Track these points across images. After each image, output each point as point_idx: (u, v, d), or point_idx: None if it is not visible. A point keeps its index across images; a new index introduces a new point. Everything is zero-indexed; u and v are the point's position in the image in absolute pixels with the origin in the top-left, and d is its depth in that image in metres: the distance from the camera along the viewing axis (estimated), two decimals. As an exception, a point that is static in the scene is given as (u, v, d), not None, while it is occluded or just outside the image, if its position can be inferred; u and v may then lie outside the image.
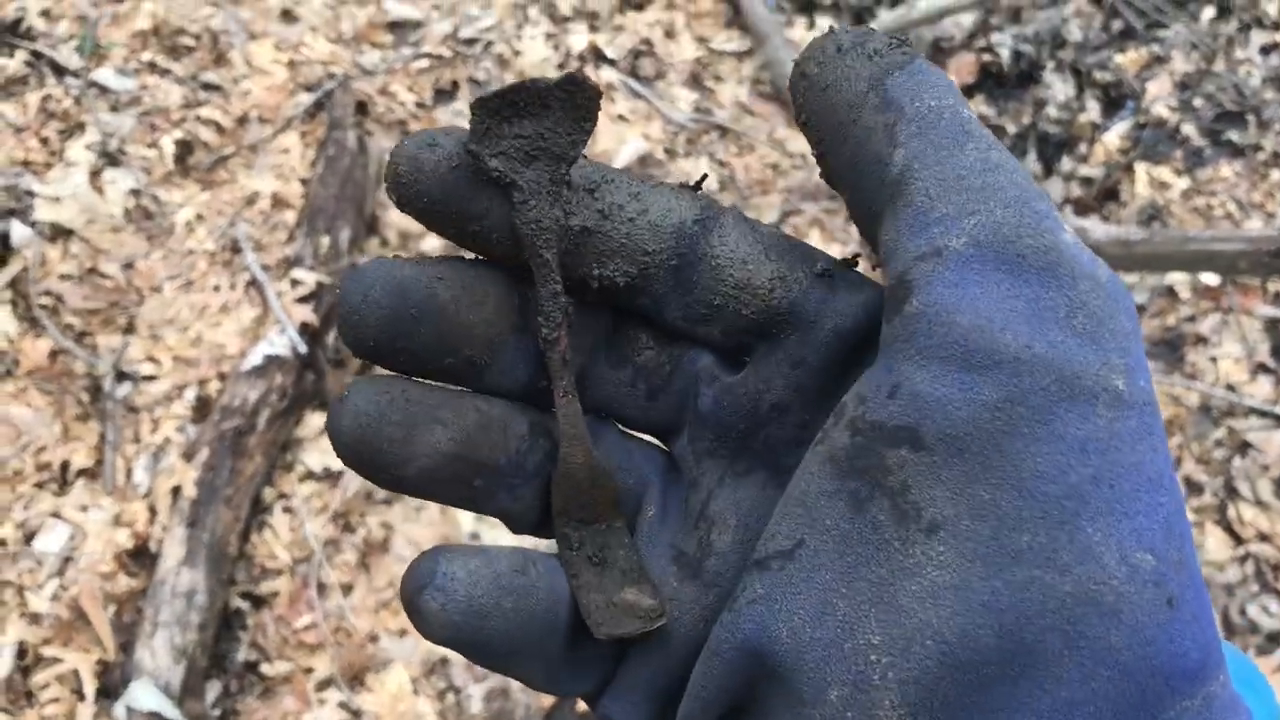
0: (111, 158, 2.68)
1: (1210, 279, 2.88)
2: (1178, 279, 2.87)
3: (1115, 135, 3.20)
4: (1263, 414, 2.64)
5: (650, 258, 0.35)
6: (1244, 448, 2.57)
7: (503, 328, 0.36)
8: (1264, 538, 2.39)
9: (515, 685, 2.05)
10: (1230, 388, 2.70)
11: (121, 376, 2.36)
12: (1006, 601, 0.27)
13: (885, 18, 3.13)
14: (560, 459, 0.37)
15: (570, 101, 0.35)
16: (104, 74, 2.83)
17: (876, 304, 0.34)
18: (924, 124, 0.30)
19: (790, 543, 0.31)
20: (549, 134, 0.35)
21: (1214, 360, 2.75)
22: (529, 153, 0.34)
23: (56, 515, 2.15)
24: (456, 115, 2.98)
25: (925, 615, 0.28)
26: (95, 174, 2.64)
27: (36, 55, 2.81)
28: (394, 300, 0.34)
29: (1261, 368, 2.75)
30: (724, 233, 0.35)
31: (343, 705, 2.02)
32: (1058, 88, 3.28)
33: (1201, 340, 2.80)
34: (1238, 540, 2.38)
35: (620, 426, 0.39)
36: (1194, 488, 2.47)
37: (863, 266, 0.47)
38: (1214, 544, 2.36)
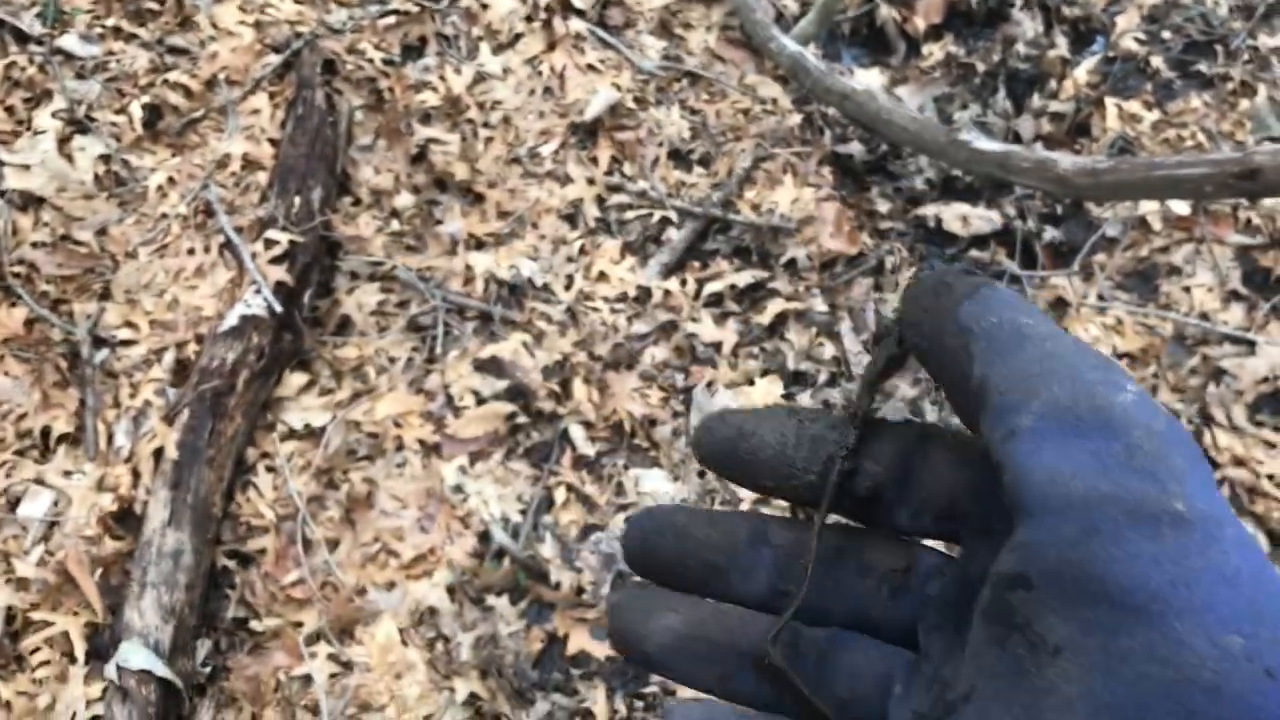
0: (80, 124, 2.67)
1: (1182, 208, 2.89)
2: (1150, 209, 2.89)
3: (1084, 71, 3.20)
4: (1236, 340, 2.67)
5: (884, 476, 0.43)
6: (1218, 375, 2.59)
7: (739, 537, 0.45)
8: (1239, 462, 2.42)
9: (505, 632, 2.08)
10: (1204, 316, 2.72)
11: (99, 342, 2.37)
12: (1125, 697, 0.32)
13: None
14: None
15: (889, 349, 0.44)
16: (68, 41, 2.81)
17: None
18: (990, 339, 0.38)
19: (968, 688, 0.37)
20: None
21: (1187, 290, 2.77)
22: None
23: (39, 482, 2.16)
24: (425, 71, 2.97)
25: None
26: (64, 141, 2.62)
27: (-1, 24, 2.79)
28: (645, 521, 0.46)
29: (1234, 295, 2.77)
30: (933, 454, 0.43)
31: (333, 658, 2.04)
32: (1026, 24, 3.28)
33: (1175, 270, 2.82)
34: (1215, 465, 2.41)
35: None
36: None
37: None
38: (1190, 470, 2.38)
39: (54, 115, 2.65)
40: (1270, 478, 2.39)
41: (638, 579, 0.46)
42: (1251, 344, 2.65)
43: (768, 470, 0.43)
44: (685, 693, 1.80)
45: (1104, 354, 0.37)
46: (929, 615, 0.42)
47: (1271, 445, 2.49)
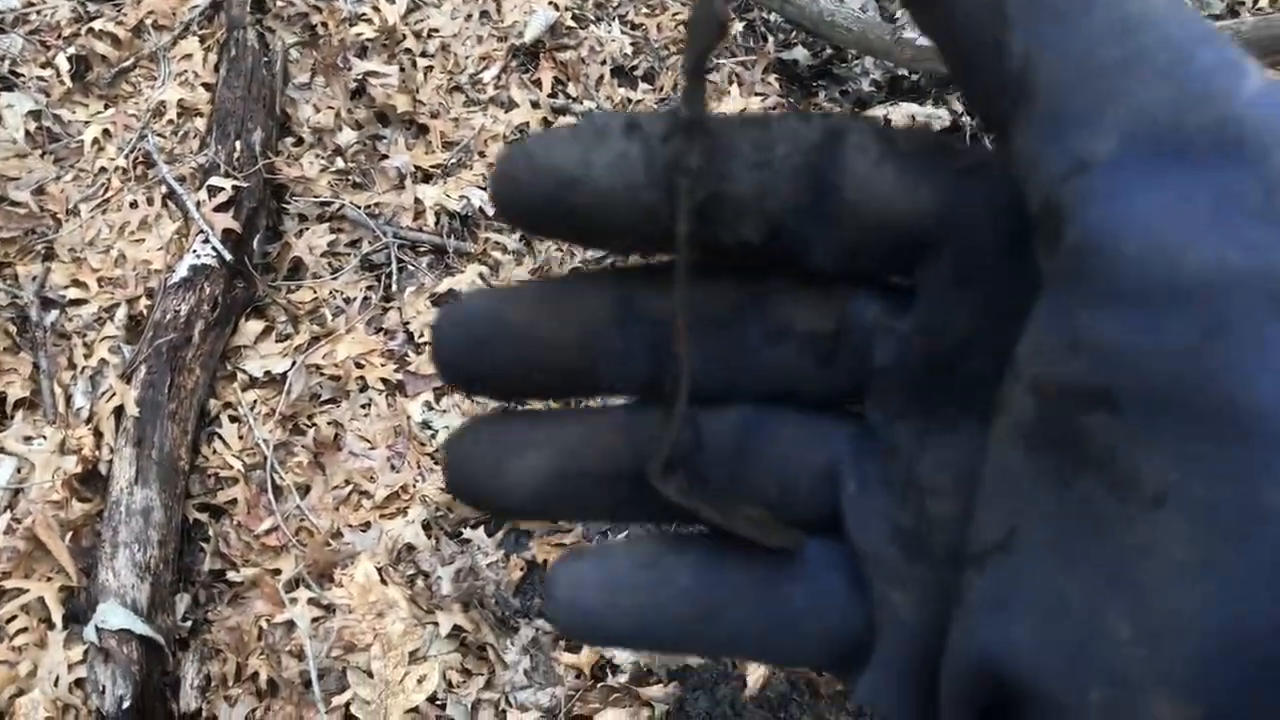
0: (5, 80, 2.60)
1: None
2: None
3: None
4: None
5: (783, 205, 0.27)
6: None
7: (599, 322, 0.30)
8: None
9: (484, 563, 2.08)
10: None
11: (47, 304, 2.32)
12: (1268, 573, 0.20)
13: None
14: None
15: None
16: (-15, -5, 2.73)
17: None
18: None
19: (1002, 533, 0.25)
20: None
21: None
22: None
23: None
24: (357, 3, 2.90)
25: (1176, 601, 0.22)
26: (-9, 100, 2.56)
27: (-89, -18, 2.70)
28: (460, 331, 0.29)
29: None
30: (851, 155, 0.27)
31: (313, 602, 2.04)
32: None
33: None
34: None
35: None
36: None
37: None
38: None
39: (-23, 73, 2.58)
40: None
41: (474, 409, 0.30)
42: None
43: (617, 227, 0.27)
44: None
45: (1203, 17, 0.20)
46: (883, 393, 0.29)
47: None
